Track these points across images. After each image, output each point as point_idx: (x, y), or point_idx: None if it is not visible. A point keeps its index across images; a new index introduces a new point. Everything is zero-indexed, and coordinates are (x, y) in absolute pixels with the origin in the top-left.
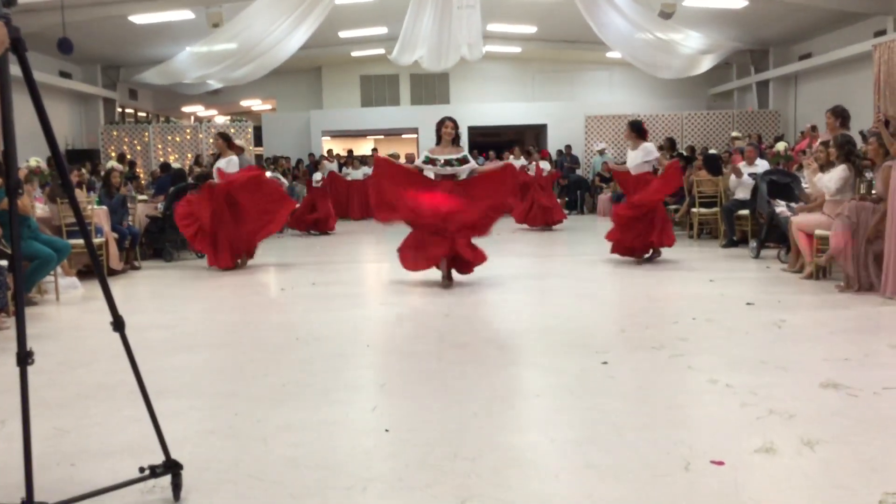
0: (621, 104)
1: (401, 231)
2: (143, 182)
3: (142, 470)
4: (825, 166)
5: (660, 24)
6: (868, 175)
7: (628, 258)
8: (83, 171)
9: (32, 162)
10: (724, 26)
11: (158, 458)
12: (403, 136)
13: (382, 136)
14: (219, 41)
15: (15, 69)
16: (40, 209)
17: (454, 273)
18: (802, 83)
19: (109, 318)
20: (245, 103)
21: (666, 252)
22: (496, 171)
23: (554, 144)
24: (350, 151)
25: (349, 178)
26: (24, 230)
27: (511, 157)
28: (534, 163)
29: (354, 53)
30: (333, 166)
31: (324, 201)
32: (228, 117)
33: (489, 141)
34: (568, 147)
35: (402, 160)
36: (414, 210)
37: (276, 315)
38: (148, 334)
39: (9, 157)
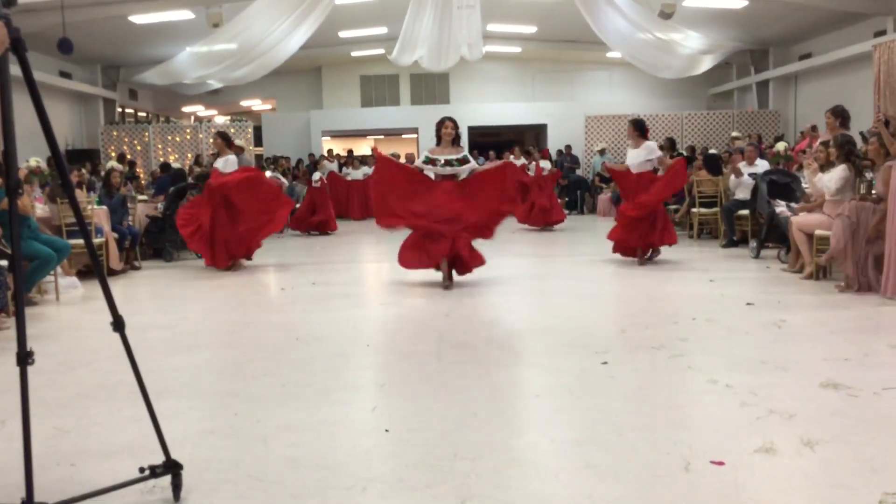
0: (621, 104)
1: (401, 232)
2: (143, 182)
3: (142, 470)
4: (825, 166)
5: (660, 25)
6: (868, 175)
7: (629, 258)
8: (83, 171)
9: (32, 162)
10: (724, 26)
11: (158, 458)
12: (403, 136)
13: (382, 136)
14: (219, 41)
15: (15, 69)
16: (40, 209)
17: (453, 274)
18: (802, 83)
19: (109, 319)
20: (245, 103)
21: (666, 252)
22: (496, 170)
23: (554, 144)
24: (350, 151)
25: (349, 178)
26: (24, 230)
27: (511, 157)
28: (533, 163)
29: (354, 53)
30: (333, 166)
31: (324, 203)
32: (228, 117)
33: (489, 141)
34: (568, 147)
35: (403, 160)
36: (417, 216)
37: (276, 315)
38: (148, 334)
39: (9, 157)
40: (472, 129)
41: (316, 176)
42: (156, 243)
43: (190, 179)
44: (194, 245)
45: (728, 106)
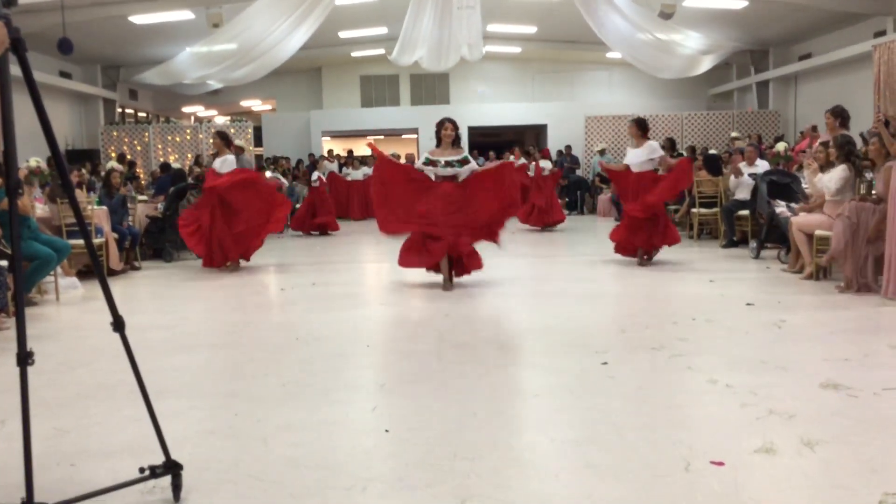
0: (621, 104)
1: (403, 236)
2: (143, 182)
3: (142, 470)
4: (825, 167)
5: (660, 25)
6: (868, 175)
7: (629, 258)
8: (83, 171)
9: (32, 162)
10: (724, 27)
11: (158, 459)
12: (403, 136)
13: (382, 137)
14: (219, 41)
15: (15, 69)
16: (40, 209)
17: (452, 275)
18: (802, 83)
19: (109, 319)
20: (245, 103)
21: (666, 252)
22: (494, 170)
23: (554, 145)
24: (350, 152)
25: (349, 179)
26: (24, 230)
27: (511, 157)
28: (533, 163)
29: (354, 54)
30: (334, 166)
31: (324, 204)
32: (228, 117)
33: (489, 141)
34: (568, 147)
35: (403, 160)
36: (420, 217)
37: (276, 315)
38: (148, 334)
39: (9, 157)
40: (472, 130)
41: (314, 175)
42: (156, 243)
43: (190, 180)
44: (191, 244)
45: (728, 106)
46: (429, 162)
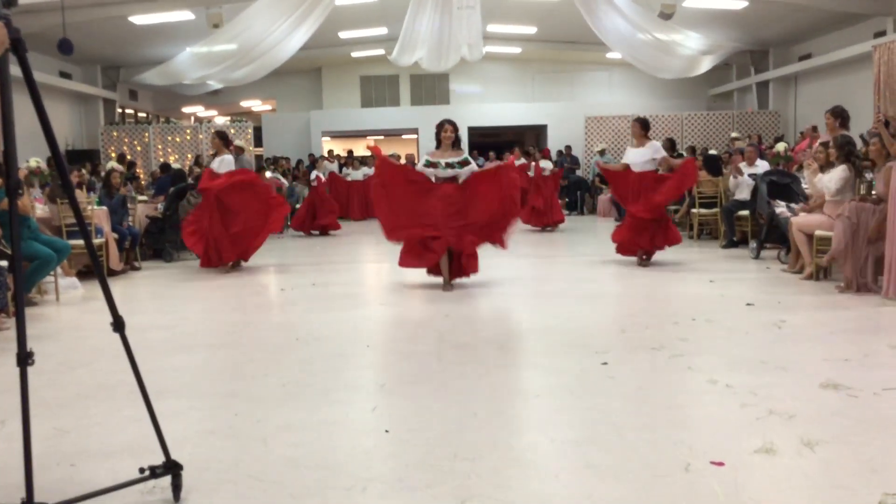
0: (621, 105)
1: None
2: (143, 182)
3: (142, 470)
4: (825, 167)
5: (660, 25)
6: (868, 176)
7: (629, 258)
8: (83, 171)
9: (32, 162)
10: (723, 27)
11: (158, 459)
12: (403, 136)
13: (382, 137)
14: (219, 42)
15: (15, 69)
16: (40, 209)
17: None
18: (802, 84)
19: (109, 319)
20: (245, 104)
21: (666, 252)
22: (494, 170)
23: (554, 145)
24: (350, 152)
25: (349, 179)
26: (24, 230)
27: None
28: (533, 163)
29: (354, 54)
30: (334, 167)
31: (325, 204)
32: (228, 118)
33: (489, 141)
34: (568, 147)
35: (403, 161)
36: (422, 218)
37: (276, 315)
38: (148, 334)
39: (9, 157)
40: (472, 130)
41: (312, 175)
42: (156, 244)
43: (190, 180)
44: (190, 244)
45: (728, 106)
46: (429, 164)
